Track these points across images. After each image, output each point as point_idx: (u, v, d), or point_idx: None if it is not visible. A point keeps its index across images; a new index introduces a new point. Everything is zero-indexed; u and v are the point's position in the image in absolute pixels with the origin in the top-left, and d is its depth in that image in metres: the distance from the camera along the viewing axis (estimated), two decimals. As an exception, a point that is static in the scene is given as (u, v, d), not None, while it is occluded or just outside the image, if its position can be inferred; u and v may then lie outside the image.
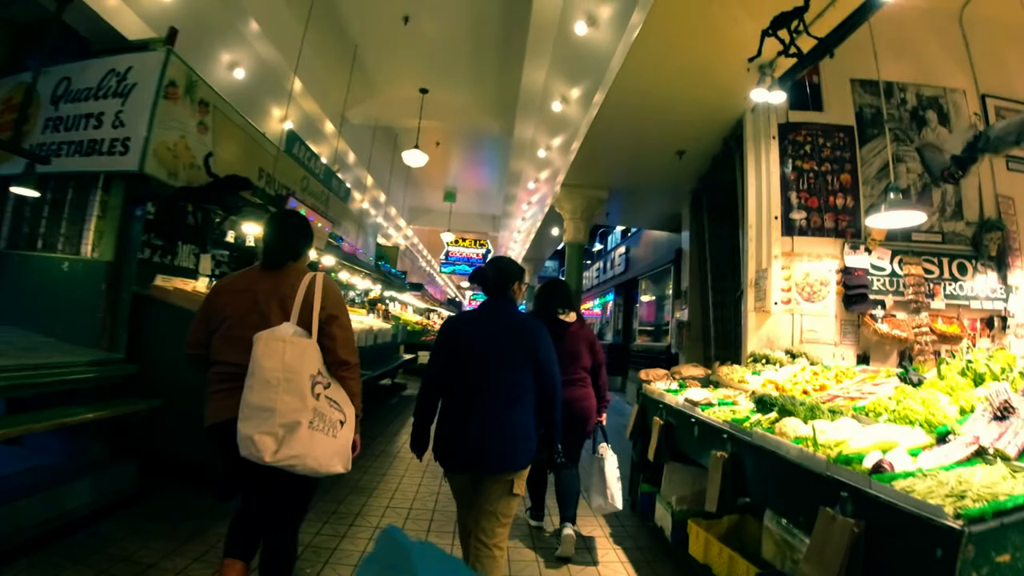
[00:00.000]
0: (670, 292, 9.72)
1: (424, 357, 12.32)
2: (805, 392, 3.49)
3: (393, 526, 1.06)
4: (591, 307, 16.64)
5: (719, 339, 6.29)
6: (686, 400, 3.47)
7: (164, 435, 3.82)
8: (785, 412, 2.68)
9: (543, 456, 2.48)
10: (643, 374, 4.53)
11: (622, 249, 13.72)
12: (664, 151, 6.34)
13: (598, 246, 15.74)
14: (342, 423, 2.03)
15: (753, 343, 4.68)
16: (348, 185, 11.42)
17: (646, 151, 6.45)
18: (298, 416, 1.87)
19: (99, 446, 3.69)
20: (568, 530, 3.23)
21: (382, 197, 14.17)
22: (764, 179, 5.03)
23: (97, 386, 3.58)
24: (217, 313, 2.11)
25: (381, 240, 15.89)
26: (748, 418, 2.82)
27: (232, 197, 4.53)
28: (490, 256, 15.44)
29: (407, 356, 11.00)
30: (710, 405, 3.34)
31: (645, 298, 11.31)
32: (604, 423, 3.72)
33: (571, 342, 3.48)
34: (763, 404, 2.94)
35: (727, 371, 4.38)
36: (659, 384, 4.28)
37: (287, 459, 1.86)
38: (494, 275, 2.46)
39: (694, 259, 7.80)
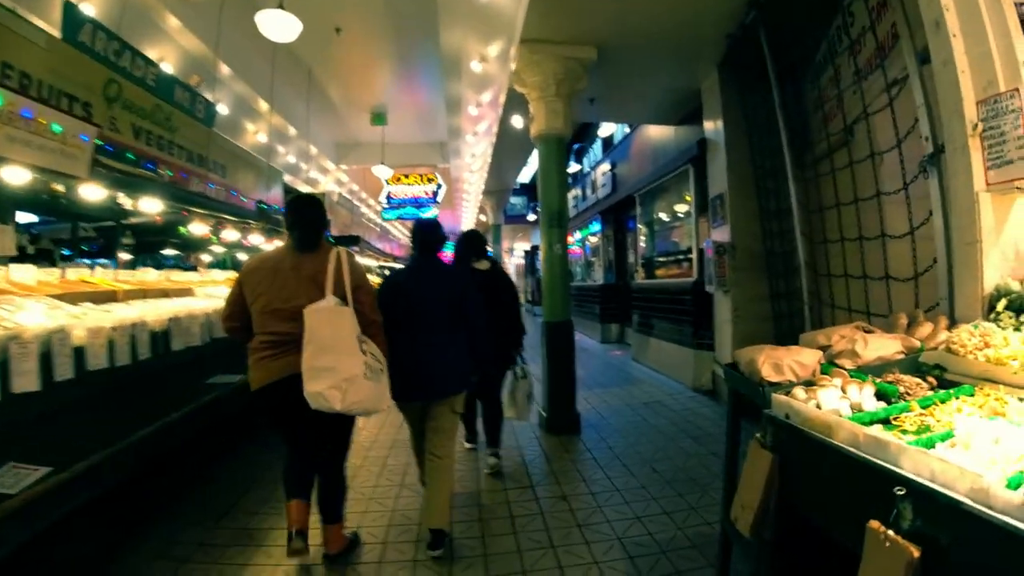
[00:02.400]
0: (685, 208, 7.02)
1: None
2: None
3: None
4: (570, 245, 13.89)
5: (815, 265, 3.65)
6: None
7: None
8: None
9: (475, 378, 3.08)
10: (765, 363, 1.86)
11: (605, 166, 10.88)
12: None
13: (574, 167, 12.82)
14: (381, 371, 2.43)
15: (993, 262, 2.02)
16: (222, 108, 8.25)
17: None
18: (355, 370, 2.26)
19: None
20: (492, 459, 3.89)
21: (291, 130, 11.00)
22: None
23: None
24: (252, 290, 2.45)
25: (306, 188, 12.70)
26: None
27: None
28: (440, 193, 12.50)
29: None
30: None
31: (645, 221, 8.60)
32: (523, 353, 4.07)
33: (488, 287, 3.58)
34: None
35: (994, 344, 1.75)
36: (831, 404, 1.63)
37: (351, 405, 2.27)
38: (431, 239, 2.97)
39: (737, 147, 5.06)
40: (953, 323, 2.13)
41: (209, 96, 7.80)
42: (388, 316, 2.66)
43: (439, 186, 12.28)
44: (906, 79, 2.70)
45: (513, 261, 29.41)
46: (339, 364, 2.23)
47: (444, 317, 2.80)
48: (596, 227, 11.46)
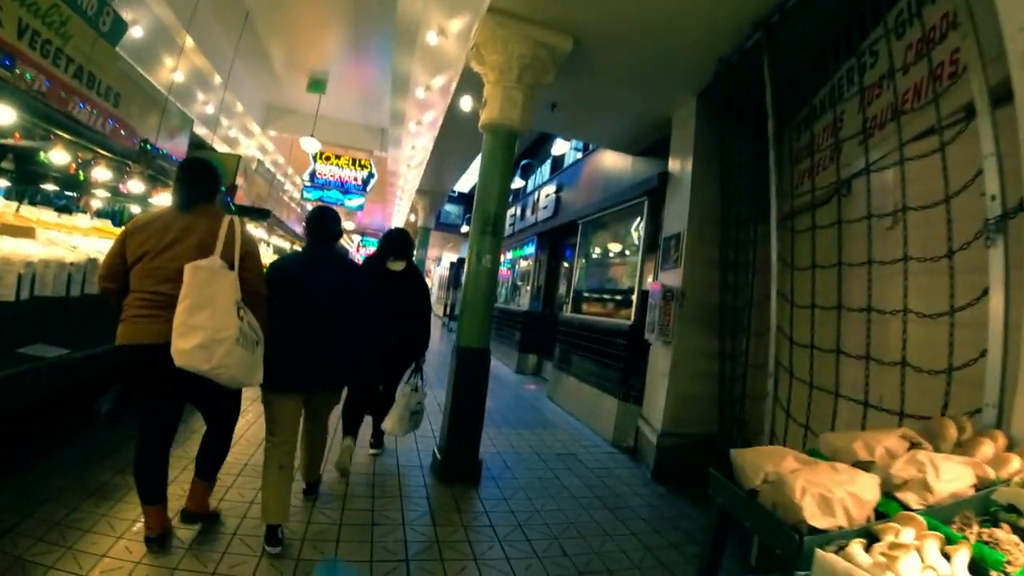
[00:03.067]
0: (632, 244, 6.49)
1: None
2: None
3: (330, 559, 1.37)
4: (501, 264, 13.16)
5: (792, 332, 3.10)
6: None
7: None
8: None
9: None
10: (806, 494, 1.16)
11: (551, 188, 10.32)
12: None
13: (518, 182, 12.19)
14: (257, 343, 2.36)
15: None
16: (136, 31, 6.92)
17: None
18: (228, 332, 2.18)
19: None
20: (373, 449, 4.23)
21: (216, 78, 9.64)
22: None
23: None
24: (136, 249, 2.32)
25: (222, 147, 11.19)
26: None
27: None
28: (371, 183, 11.45)
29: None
30: None
31: (585, 252, 8.04)
32: (423, 364, 3.98)
33: (398, 288, 3.70)
34: None
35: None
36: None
37: (218, 367, 2.17)
38: (323, 228, 2.90)
39: (704, 186, 4.55)
40: (1010, 443, 1.55)
41: (127, 16, 6.48)
42: (274, 300, 2.61)
43: (371, 175, 11.22)
44: (960, 122, 2.20)
45: (438, 272, 28.38)
46: (212, 323, 2.17)
47: (333, 310, 2.77)
48: (530, 249, 10.83)
